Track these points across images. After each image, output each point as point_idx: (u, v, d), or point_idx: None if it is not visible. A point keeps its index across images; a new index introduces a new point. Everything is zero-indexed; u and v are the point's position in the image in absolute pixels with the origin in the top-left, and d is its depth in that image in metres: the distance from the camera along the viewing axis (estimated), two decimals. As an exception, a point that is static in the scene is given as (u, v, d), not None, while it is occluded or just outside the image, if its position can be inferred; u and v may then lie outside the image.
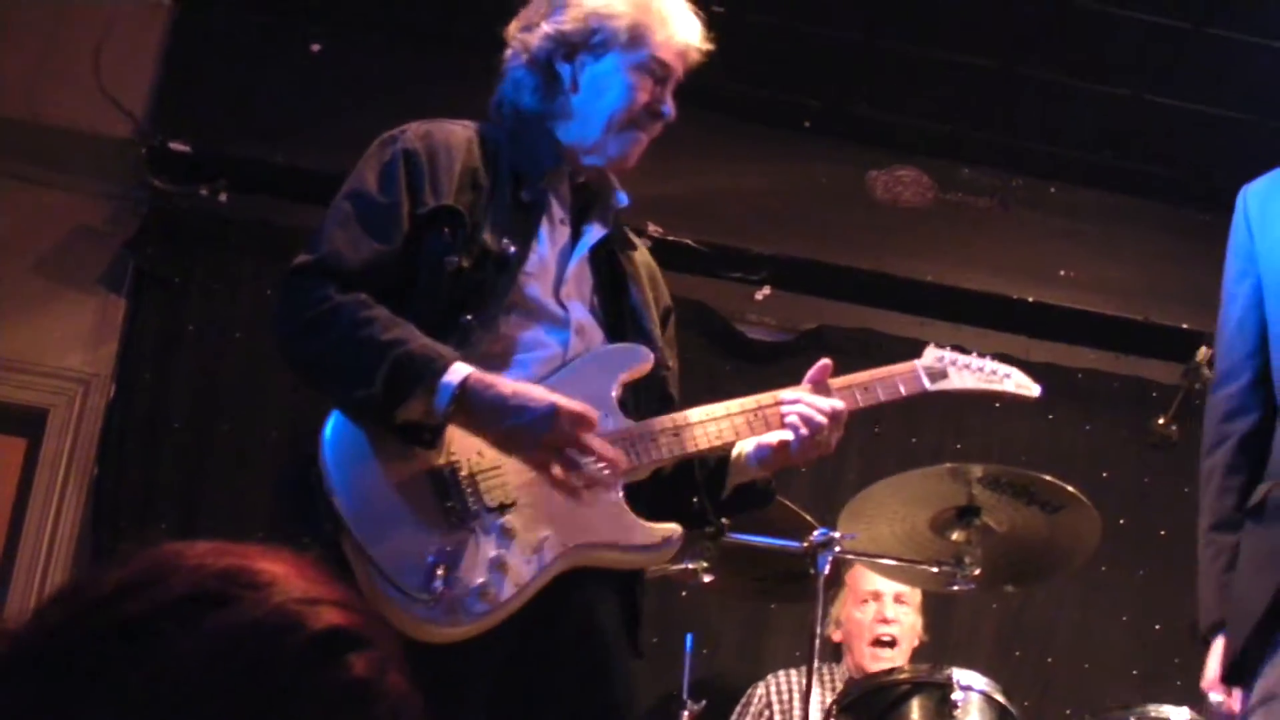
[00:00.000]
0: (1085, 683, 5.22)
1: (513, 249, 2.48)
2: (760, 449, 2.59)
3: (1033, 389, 2.80)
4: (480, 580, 2.32)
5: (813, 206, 5.33)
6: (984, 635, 5.24)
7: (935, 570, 3.79)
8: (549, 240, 2.57)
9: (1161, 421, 3.56)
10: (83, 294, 4.95)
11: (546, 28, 2.60)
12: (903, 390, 2.66)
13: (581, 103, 2.59)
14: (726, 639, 5.06)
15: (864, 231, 5.34)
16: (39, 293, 4.91)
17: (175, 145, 4.87)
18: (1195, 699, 3.83)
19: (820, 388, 2.58)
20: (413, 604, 2.27)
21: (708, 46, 2.66)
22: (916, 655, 4.45)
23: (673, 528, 2.48)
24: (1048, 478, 3.72)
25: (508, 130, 2.64)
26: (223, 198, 5.00)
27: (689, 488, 2.63)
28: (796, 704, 4.41)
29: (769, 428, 2.55)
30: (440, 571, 2.30)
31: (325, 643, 0.95)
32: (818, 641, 3.57)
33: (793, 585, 3.97)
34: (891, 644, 4.35)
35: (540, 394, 2.37)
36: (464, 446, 2.40)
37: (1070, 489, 3.71)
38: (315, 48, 5.03)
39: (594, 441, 2.39)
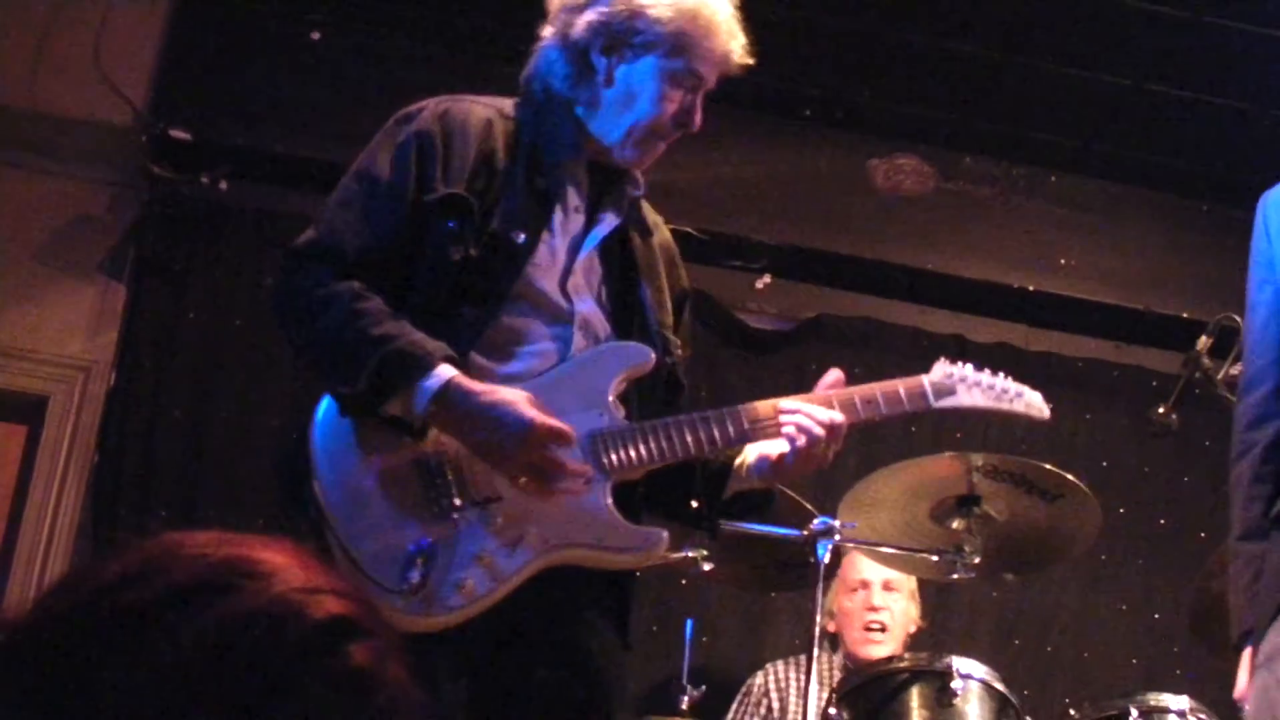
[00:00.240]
0: (1085, 671, 5.23)
1: (522, 238, 2.46)
2: (761, 460, 2.57)
3: (1044, 410, 2.76)
4: (459, 574, 2.32)
5: (814, 195, 5.32)
6: (984, 624, 5.25)
7: (935, 559, 3.79)
8: (561, 230, 2.53)
9: (1162, 411, 3.55)
10: (83, 281, 4.94)
11: (591, 15, 2.54)
12: (907, 406, 2.64)
13: (611, 99, 2.55)
14: (726, 626, 5.06)
15: (865, 220, 5.34)
16: (39, 280, 4.91)
17: (175, 133, 4.86)
18: (1194, 688, 3.85)
19: (822, 398, 2.55)
20: (387, 595, 2.26)
21: (749, 61, 2.61)
22: (915, 643, 4.45)
23: (655, 530, 2.46)
24: (1048, 466, 3.72)
25: (534, 109, 2.60)
26: (223, 185, 4.99)
27: (689, 489, 2.61)
28: (795, 693, 4.41)
29: (764, 435, 2.52)
30: (420, 562, 2.30)
31: (326, 632, 0.95)
32: (817, 629, 3.57)
33: (792, 573, 3.97)
34: (882, 629, 4.35)
35: (519, 409, 2.34)
36: (452, 438, 2.39)
37: (1070, 478, 3.71)
38: (316, 36, 5.01)
39: (566, 460, 2.37)
